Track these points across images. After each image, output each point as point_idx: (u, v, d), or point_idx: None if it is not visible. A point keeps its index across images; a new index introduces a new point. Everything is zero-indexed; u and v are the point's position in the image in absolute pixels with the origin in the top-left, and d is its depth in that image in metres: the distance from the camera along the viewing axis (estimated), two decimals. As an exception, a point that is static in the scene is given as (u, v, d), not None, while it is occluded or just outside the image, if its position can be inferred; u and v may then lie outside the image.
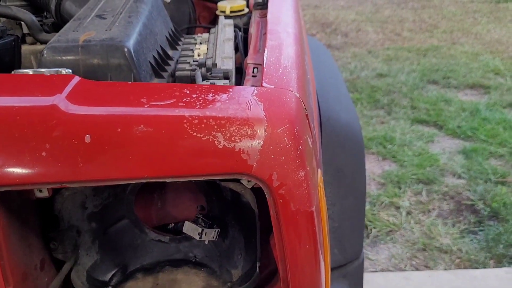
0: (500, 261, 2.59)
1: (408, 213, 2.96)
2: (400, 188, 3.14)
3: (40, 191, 0.73)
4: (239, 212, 0.87)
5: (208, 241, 0.91)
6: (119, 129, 0.66)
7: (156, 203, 0.98)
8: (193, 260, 0.93)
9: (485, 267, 2.55)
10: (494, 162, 3.40)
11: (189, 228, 0.86)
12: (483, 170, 3.28)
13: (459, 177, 3.26)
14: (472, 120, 3.92)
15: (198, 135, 0.67)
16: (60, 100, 0.68)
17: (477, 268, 2.56)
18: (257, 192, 0.79)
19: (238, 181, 0.76)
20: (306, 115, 0.76)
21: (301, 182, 0.70)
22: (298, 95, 0.76)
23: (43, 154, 0.65)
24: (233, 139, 0.67)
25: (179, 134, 0.67)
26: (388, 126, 3.92)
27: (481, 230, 2.79)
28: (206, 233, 0.85)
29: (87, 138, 0.66)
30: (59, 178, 0.66)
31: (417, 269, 2.58)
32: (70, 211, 0.82)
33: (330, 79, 1.31)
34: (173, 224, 0.97)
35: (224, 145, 0.67)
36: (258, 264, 0.84)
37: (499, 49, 5.32)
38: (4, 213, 0.70)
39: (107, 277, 0.89)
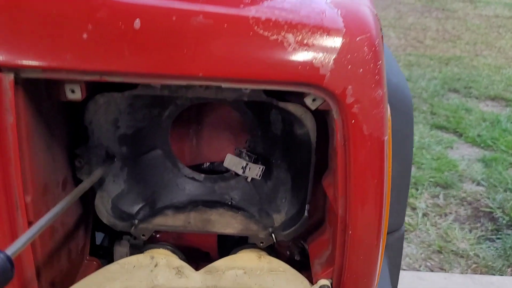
0: (518, 270, 2.49)
1: (424, 214, 2.86)
2: (417, 189, 3.04)
3: (72, 91, 0.64)
4: (289, 149, 0.77)
5: (248, 182, 0.81)
6: (174, 17, 0.57)
7: (191, 139, 0.88)
8: (229, 203, 0.83)
9: (502, 275, 2.45)
10: (514, 173, 3.30)
11: (231, 161, 0.76)
12: (502, 179, 3.18)
13: (478, 184, 3.16)
14: (493, 130, 3.83)
15: (265, 33, 0.57)
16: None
17: (494, 275, 2.46)
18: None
19: (298, 102, 0.67)
20: (382, 36, 0.66)
21: (378, 102, 0.60)
22: (375, 12, 0.66)
23: (84, 36, 0.56)
24: (305, 42, 0.58)
25: (242, 30, 0.57)
26: (407, 128, 3.81)
27: (498, 238, 2.69)
28: (250, 168, 0.75)
29: (137, 24, 0.56)
30: (100, 67, 0.57)
31: (432, 271, 2.48)
32: (102, 126, 0.72)
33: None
34: (208, 163, 0.87)
35: (294, 48, 0.58)
36: (307, 208, 0.74)
37: (522, 64, 5.22)
38: (30, 112, 0.61)
39: (133, 210, 0.79)
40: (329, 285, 0.70)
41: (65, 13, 0.56)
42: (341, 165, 0.63)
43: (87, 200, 0.80)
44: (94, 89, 0.68)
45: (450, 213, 2.92)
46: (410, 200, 2.97)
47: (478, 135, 3.75)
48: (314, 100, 0.63)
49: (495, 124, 3.95)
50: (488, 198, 3.04)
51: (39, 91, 0.63)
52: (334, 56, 0.58)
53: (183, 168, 0.84)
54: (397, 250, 1.15)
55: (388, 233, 1.11)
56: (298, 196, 0.77)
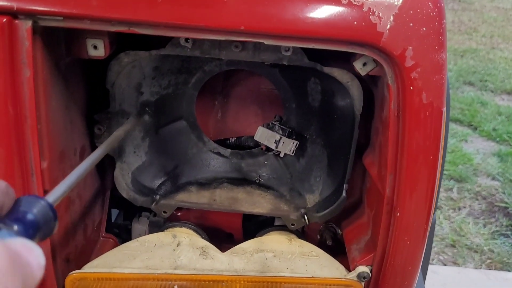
0: (534, 268, 2.43)
1: (438, 208, 2.79)
2: (430, 181, 2.97)
3: (95, 47, 0.57)
4: (328, 122, 0.70)
5: (278, 159, 0.75)
6: (216, -37, 0.50)
7: (216, 112, 0.81)
8: (257, 181, 0.77)
9: (518, 271, 2.39)
10: (530, 168, 3.23)
11: (263, 134, 0.69)
12: (518, 174, 3.11)
13: (493, 178, 3.09)
14: (509, 124, 3.75)
15: (318, -16, 0.50)
16: None
17: (509, 271, 2.40)
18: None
19: (344, 67, 0.60)
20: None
21: (440, 67, 0.53)
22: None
23: (113, -20, 0.49)
24: (362, -5, 0.51)
25: (292, -21, 0.50)
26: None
27: (514, 234, 2.62)
28: (283, 142, 0.69)
29: (174, -32, 0.49)
30: (128, 15, 0.50)
31: (445, 265, 2.43)
32: (124, 90, 0.65)
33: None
34: (234, 138, 0.80)
35: (349, 0, 0.51)
36: (345, 187, 0.67)
37: (539, 59, 5.12)
38: (48, 65, 0.54)
39: (154, 184, 0.73)
40: (369, 272, 0.64)
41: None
42: (392, 138, 0.56)
43: (104, 173, 0.73)
44: (118, 47, 0.61)
45: (464, 207, 2.86)
46: (424, 192, 2.91)
47: (494, 129, 3.67)
48: (364, 64, 0.56)
49: (511, 118, 3.87)
50: (504, 193, 2.97)
51: (58, 45, 0.56)
52: (394, 12, 0.51)
53: (208, 142, 0.78)
54: (428, 240, 1.09)
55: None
56: (334, 174, 0.70)
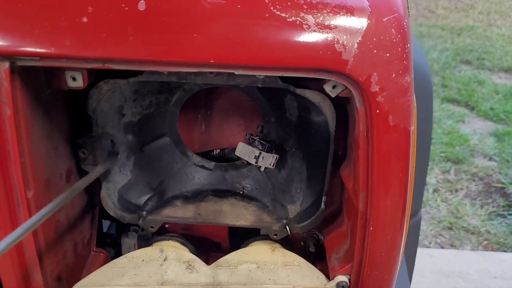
0: (530, 247, 2.47)
1: (435, 190, 2.82)
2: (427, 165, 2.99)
3: (74, 78, 0.59)
4: (305, 136, 0.72)
5: (261, 171, 0.77)
6: (183, -2, 0.51)
7: (199, 125, 0.83)
8: (241, 192, 0.79)
9: (514, 252, 2.43)
10: (527, 147, 3.24)
11: (243, 150, 0.71)
12: (515, 154, 3.13)
13: (490, 159, 3.11)
14: (506, 103, 3.75)
15: (283, 15, 0.52)
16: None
17: (505, 251, 2.44)
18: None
19: (316, 89, 0.62)
20: (408, 13, 0.61)
21: (406, 90, 0.55)
22: (401, -11, 0.60)
23: (84, 20, 0.51)
24: (326, 24, 0.52)
25: (257, 11, 0.52)
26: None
27: (510, 214, 2.65)
28: (263, 157, 0.71)
29: (141, 5, 0.51)
30: (102, 54, 0.52)
31: (442, 247, 2.46)
32: (106, 114, 0.67)
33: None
34: (218, 150, 0.82)
35: (314, 30, 0.52)
36: (324, 199, 0.69)
37: (537, 35, 5.08)
38: (28, 101, 0.56)
39: (141, 201, 0.75)
40: (347, 281, 0.66)
41: (62, -5, 0.51)
42: (363, 158, 0.58)
43: (92, 190, 0.76)
44: (97, 75, 0.63)
45: (461, 188, 2.88)
46: (421, 175, 2.93)
47: (491, 108, 3.67)
48: (334, 87, 0.58)
49: (508, 96, 3.86)
50: (500, 173, 2.99)
51: (38, 80, 0.58)
52: (358, 39, 0.53)
53: (192, 156, 0.80)
54: (413, 237, 1.12)
55: (405, 219, 1.07)
56: (314, 186, 0.72)
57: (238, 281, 0.68)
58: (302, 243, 0.81)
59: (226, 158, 0.82)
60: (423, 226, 2.58)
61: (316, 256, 0.79)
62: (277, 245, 0.75)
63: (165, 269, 0.69)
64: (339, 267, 0.68)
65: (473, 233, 2.55)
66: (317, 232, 0.79)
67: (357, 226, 0.63)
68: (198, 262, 0.71)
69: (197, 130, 0.84)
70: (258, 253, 0.72)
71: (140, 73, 0.62)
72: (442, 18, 5.46)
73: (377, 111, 0.55)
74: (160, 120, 0.76)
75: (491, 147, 3.21)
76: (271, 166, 0.72)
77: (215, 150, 0.83)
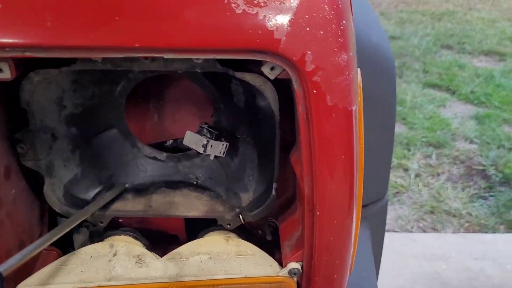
0: (511, 227, 2.48)
1: (417, 175, 2.83)
2: (409, 150, 3.00)
3: (1, 70, 0.56)
4: (254, 122, 0.70)
5: (214, 160, 0.75)
6: (104, -21, 0.49)
7: (151, 115, 0.81)
8: (194, 183, 0.77)
9: (495, 232, 2.44)
10: (507, 128, 3.26)
11: (191, 139, 0.69)
12: (496, 136, 3.14)
13: (471, 142, 3.12)
14: (486, 86, 3.77)
15: (210, -5, 0.50)
16: None
17: (486, 233, 2.45)
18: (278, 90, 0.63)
19: (256, 72, 0.60)
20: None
21: (343, 68, 0.53)
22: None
23: None
24: (256, 2, 0.50)
25: (184, -9, 0.50)
26: (399, 88, 3.76)
27: (491, 196, 2.67)
28: (212, 145, 0.69)
29: (60, -11, 0.49)
30: (20, 41, 0.49)
31: (424, 231, 2.47)
32: (43, 106, 0.65)
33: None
34: (171, 141, 0.80)
35: (244, 9, 0.50)
36: (274, 186, 0.68)
37: (516, 17, 5.10)
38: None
39: (89, 195, 0.73)
40: (299, 268, 0.65)
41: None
42: (304, 140, 0.57)
43: (39, 186, 0.73)
44: (28, 66, 0.60)
45: (443, 172, 2.89)
46: (402, 161, 2.94)
47: (471, 92, 3.69)
48: (272, 68, 0.56)
49: (488, 79, 3.88)
50: (481, 155, 3.00)
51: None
52: (289, 17, 0.51)
53: (143, 148, 0.78)
54: (380, 220, 1.11)
55: (370, 203, 1.06)
56: (266, 173, 0.71)
57: (189, 273, 0.66)
58: (259, 232, 0.79)
59: (180, 148, 0.80)
60: (405, 211, 2.59)
61: (275, 244, 0.77)
62: (232, 235, 0.73)
63: (114, 264, 0.67)
64: (291, 254, 0.66)
65: (454, 216, 2.56)
66: (274, 220, 0.77)
67: (305, 211, 0.61)
68: (148, 256, 0.69)
69: (150, 120, 0.81)
70: (212, 243, 0.71)
71: (74, 61, 0.59)
72: (423, 4, 5.47)
73: (314, 91, 0.53)
74: (106, 112, 0.74)
75: (472, 130, 3.23)
76: (221, 154, 0.70)
77: (168, 141, 0.81)
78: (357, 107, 0.57)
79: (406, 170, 2.86)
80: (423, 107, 3.49)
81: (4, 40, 0.49)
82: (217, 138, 0.70)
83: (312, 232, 0.61)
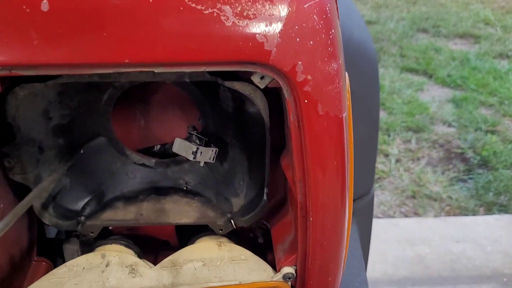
0: (490, 209, 2.55)
1: (397, 160, 2.87)
2: (389, 135, 3.04)
3: (-15, 86, 0.55)
4: (243, 127, 0.70)
5: (203, 165, 0.75)
6: (89, -5, 0.48)
7: (138, 121, 0.80)
8: (184, 188, 0.77)
9: (474, 215, 2.51)
10: (484, 111, 3.32)
11: (180, 146, 0.69)
12: (473, 119, 3.20)
13: (449, 125, 3.18)
14: (462, 69, 3.83)
15: (198, 7, 0.49)
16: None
17: (467, 215, 2.51)
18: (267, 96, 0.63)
19: (246, 80, 0.59)
20: (335, -4, 0.59)
21: (333, 77, 0.53)
22: (326, -30, 0.58)
23: (-17, 25, 0.47)
24: (245, 14, 0.50)
25: (171, 4, 0.49)
26: (377, 73, 3.78)
27: (470, 178, 2.73)
28: (201, 152, 0.69)
29: (44, 5, 0.47)
30: (6, 61, 0.48)
31: (406, 216, 2.52)
32: (29, 119, 0.63)
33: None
34: (159, 146, 0.79)
35: (233, 22, 0.50)
36: (266, 191, 0.68)
37: (489, -1, 5.18)
38: None
39: (79, 206, 0.72)
40: (293, 272, 0.66)
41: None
42: (296, 148, 0.57)
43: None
44: (13, 80, 0.59)
45: (423, 157, 2.94)
46: (383, 147, 2.97)
47: (448, 75, 3.74)
48: (262, 78, 0.56)
49: (464, 62, 3.94)
50: (459, 139, 3.06)
51: None
52: (279, 29, 0.50)
53: (131, 155, 0.77)
54: (367, 215, 1.12)
55: (357, 199, 1.08)
56: (256, 178, 0.71)
57: (183, 281, 0.66)
58: (251, 235, 0.79)
59: (168, 154, 0.79)
60: (387, 196, 2.63)
61: (267, 246, 0.78)
62: (224, 240, 0.74)
63: (107, 275, 0.67)
64: (284, 259, 0.67)
65: (435, 200, 2.61)
66: (265, 222, 0.78)
67: (298, 217, 0.61)
68: (141, 265, 0.69)
69: (136, 126, 0.81)
70: (204, 250, 0.71)
71: (60, 74, 0.58)
72: (398, -13, 5.48)
73: (306, 100, 0.53)
74: (92, 120, 0.73)
75: (450, 113, 3.28)
76: (211, 160, 0.70)
77: (155, 146, 0.80)
78: (347, 113, 0.58)
79: (386, 155, 2.90)
80: (401, 91, 3.53)
81: (-11, 60, 0.48)
82: (207, 144, 0.70)
83: (305, 237, 0.62)
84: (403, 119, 3.20)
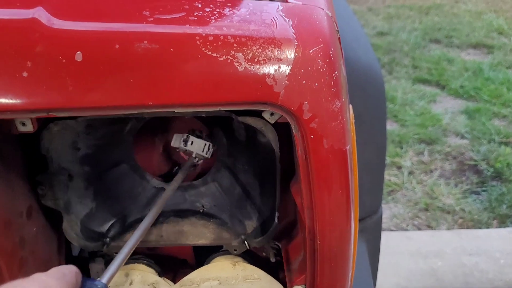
0: (503, 221, 2.55)
1: (410, 173, 2.89)
2: (401, 148, 3.06)
3: (23, 124, 0.61)
4: (255, 155, 0.76)
5: (217, 188, 0.80)
6: (117, 46, 0.54)
7: (158, 147, 0.86)
8: (201, 211, 0.83)
9: (488, 227, 2.51)
10: (497, 122, 3.32)
11: (176, 139, 0.77)
12: (486, 130, 3.20)
13: (462, 137, 3.18)
14: (475, 80, 3.82)
15: (214, 55, 0.55)
16: (42, 13, 0.55)
17: (480, 228, 2.52)
18: (277, 129, 0.68)
19: (257, 115, 0.65)
20: (339, 38, 0.64)
21: (336, 114, 0.58)
22: (330, 14, 0.64)
23: (24, 74, 0.53)
24: (256, 60, 0.55)
25: (190, 52, 0.55)
26: (389, 85, 3.80)
27: (484, 191, 2.73)
28: (192, 142, 0.75)
29: (78, 56, 0.54)
30: (45, 105, 0.54)
31: (419, 229, 2.53)
32: (60, 151, 0.70)
33: (345, 16, 1.18)
34: (177, 168, 0.85)
35: (245, 67, 0.55)
36: (277, 214, 0.73)
37: (503, 8, 5.17)
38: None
39: (104, 228, 0.78)
40: (304, 291, 0.71)
41: (1, 52, 0.53)
42: (304, 178, 0.62)
43: (56, 222, 0.78)
44: (47, 118, 0.65)
45: (436, 169, 2.95)
46: (395, 159, 2.99)
47: (461, 86, 3.74)
48: (272, 114, 0.61)
49: (477, 73, 3.93)
50: (472, 150, 3.06)
51: (-14, 128, 0.60)
52: (287, 72, 0.56)
53: (151, 180, 0.83)
54: (375, 233, 1.16)
55: (366, 217, 1.12)
56: (268, 202, 0.76)
57: (201, 299, 0.72)
58: (263, 254, 0.84)
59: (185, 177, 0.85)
60: (400, 209, 2.65)
61: (278, 265, 0.83)
62: (239, 259, 0.79)
63: (131, 293, 0.72)
64: (295, 278, 0.72)
65: (448, 213, 2.62)
66: (276, 243, 0.83)
67: (307, 240, 0.66)
68: (162, 283, 0.74)
69: (157, 152, 0.87)
70: (220, 269, 0.76)
71: (88, 111, 0.64)
72: (410, -2, 5.51)
73: (312, 136, 0.58)
74: (115, 149, 0.79)
75: (463, 125, 3.28)
76: (204, 154, 0.76)
77: (174, 168, 0.86)
78: (351, 145, 0.63)
79: (399, 168, 2.92)
80: (413, 103, 3.54)
81: (31, 105, 0.54)
82: (199, 137, 0.77)
83: (313, 258, 0.67)
84: (415, 131, 3.21)
